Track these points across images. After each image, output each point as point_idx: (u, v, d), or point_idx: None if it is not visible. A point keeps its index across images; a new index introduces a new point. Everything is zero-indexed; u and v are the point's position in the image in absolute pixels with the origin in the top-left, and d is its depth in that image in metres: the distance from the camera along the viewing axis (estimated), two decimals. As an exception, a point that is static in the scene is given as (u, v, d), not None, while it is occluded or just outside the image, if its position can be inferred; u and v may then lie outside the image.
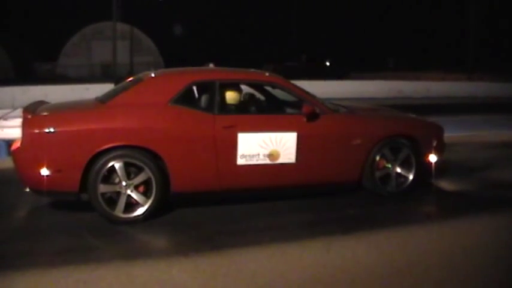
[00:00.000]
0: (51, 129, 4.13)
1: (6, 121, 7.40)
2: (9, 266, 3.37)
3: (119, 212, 4.28)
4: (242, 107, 4.93)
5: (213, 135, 4.45)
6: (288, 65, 30.40)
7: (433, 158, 5.32)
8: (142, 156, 4.28)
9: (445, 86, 22.34)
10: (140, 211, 4.33)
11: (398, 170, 5.18)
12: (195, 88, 5.03)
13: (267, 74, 5.42)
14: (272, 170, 4.68)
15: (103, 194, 4.24)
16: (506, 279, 3.36)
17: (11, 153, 4.46)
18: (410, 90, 20.46)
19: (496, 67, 32.01)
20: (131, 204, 4.34)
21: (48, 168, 4.13)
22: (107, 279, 3.24)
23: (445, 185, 5.81)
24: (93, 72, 34.69)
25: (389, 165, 5.14)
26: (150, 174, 4.30)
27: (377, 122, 5.29)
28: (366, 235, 4.11)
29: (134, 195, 4.31)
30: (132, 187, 4.30)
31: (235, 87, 4.92)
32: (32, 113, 4.30)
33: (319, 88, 12.68)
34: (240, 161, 4.55)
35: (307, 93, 5.06)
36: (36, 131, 4.14)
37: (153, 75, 5.00)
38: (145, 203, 4.33)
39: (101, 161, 4.19)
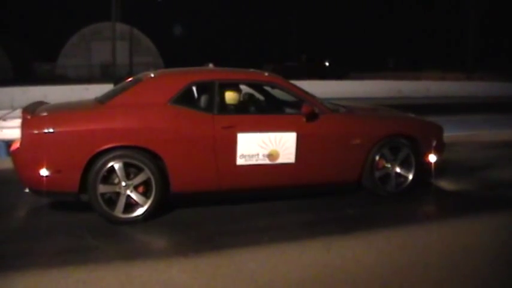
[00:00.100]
0: (51, 130, 4.13)
1: (5, 122, 7.38)
2: (9, 266, 3.38)
3: (118, 212, 4.28)
4: (241, 107, 4.93)
5: (213, 135, 4.45)
6: (288, 65, 30.46)
7: (432, 157, 5.32)
8: (142, 157, 4.28)
9: (445, 85, 22.36)
10: (140, 211, 4.33)
11: (398, 169, 5.18)
12: (194, 88, 5.03)
13: (266, 74, 5.42)
14: (271, 170, 4.68)
15: (102, 195, 4.24)
16: (506, 278, 3.36)
17: (10, 154, 4.46)
18: (409, 90, 20.49)
19: (496, 67, 32.02)
20: (131, 205, 4.33)
21: (47, 168, 4.13)
22: (107, 280, 3.24)
23: (445, 184, 5.81)
24: (92, 73, 34.70)
25: (389, 165, 5.14)
26: (150, 175, 4.30)
27: (376, 122, 5.29)
28: (365, 235, 4.11)
29: (134, 195, 4.31)
30: (131, 187, 4.30)
31: (234, 87, 4.92)
32: (31, 114, 4.29)
33: (318, 88, 12.69)
34: (240, 161, 4.55)
35: (307, 93, 5.06)
36: (36, 131, 4.14)
37: (152, 75, 4.99)
38: (145, 203, 4.33)
39: (101, 162, 4.19)
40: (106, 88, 6.82)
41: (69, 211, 4.61)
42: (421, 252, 3.75)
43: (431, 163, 5.33)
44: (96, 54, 36.04)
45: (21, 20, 39.20)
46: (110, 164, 4.21)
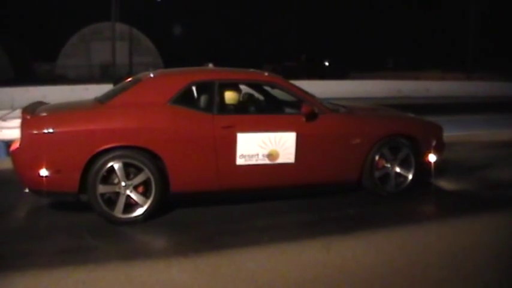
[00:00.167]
0: (50, 130, 4.13)
1: (5, 122, 7.39)
2: (8, 267, 3.38)
3: (118, 212, 4.28)
4: (241, 107, 4.93)
5: (212, 135, 4.45)
6: (288, 65, 30.45)
7: (432, 157, 5.32)
8: (142, 157, 4.28)
9: (445, 85, 22.38)
10: (139, 211, 4.33)
11: (398, 169, 5.19)
12: (194, 88, 5.03)
13: (266, 74, 5.43)
14: (271, 170, 4.68)
15: (102, 195, 4.24)
16: (506, 278, 3.36)
17: (10, 154, 4.46)
18: (409, 90, 20.50)
19: (496, 67, 32.01)
20: (130, 205, 4.33)
21: (47, 168, 4.12)
22: (106, 280, 3.24)
23: (445, 184, 5.81)
24: (92, 73, 34.72)
25: (389, 165, 5.15)
26: (150, 175, 4.29)
27: (376, 122, 5.29)
28: (365, 235, 4.11)
29: (133, 195, 4.31)
30: (131, 187, 4.30)
31: (234, 87, 4.92)
32: (31, 114, 4.29)
33: (318, 88, 12.68)
34: (239, 161, 4.55)
35: (306, 93, 5.06)
36: (35, 131, 4.14)
37: (152, 75, 5.00)
38: (145, 203, 4.33)
39: (100, 162, 4.19)
40: (106, 88, 6.82)
41: (69, 211, 4.61)
42: (421, 252, 3.75)
43: (431, 163, 5.33)
44: (96, 54, 36.05)
45: (21, 20, 39.18)
46: (109, 164, 4.21)
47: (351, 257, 3.65)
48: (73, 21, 36.81)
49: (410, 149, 5.17)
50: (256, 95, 5.52)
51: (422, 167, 5.29)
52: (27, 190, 4.35)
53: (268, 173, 4.69)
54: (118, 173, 4.24)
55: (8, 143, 6.22)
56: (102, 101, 4.64)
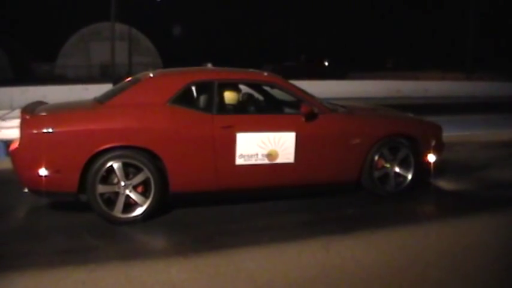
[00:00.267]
0: (50, 130, 4.13)
1: (4, 122, 7.38)
2: (8, 267, 3.37)
3: (117, 212, 4.28)
4: (241, 107, 4.93)
5: (212, 135, 4.45)
6: (287, 65, 30.47)
7: (431, 157, 5.32)
8: (141, 157, 4.28)
9: (444, 85, 22.38)
10: (139, 211, 4.32)
11: (397, 169, 5.19)
12: (193, 88, 5.02)
13: (265, 74, 5.43)
14: (271, 170, 4.68)
15: (102, 195, 4.24)
16: (506, 278, 3.37)
17: (9, 154, 4.46)
18: (409, 90, 20.50)
19: (495, 67, 32.03)
20: (130, 205, 4.33)
21: (46, 168, 4.12)
22: (106, 280, 3.24)
23: (444, 184, 5.81)
24: (91, 73, 34.71)
25: (388, 165, 5.15)
26: (149, 175, 4.29)
27: (375, 122, 5.30)
28: (364, 235, 4.11)
29: (133, 195, 4.31)
30: (130, 187, 4.30)
31: (233, 87, 4.92)
32: (30, 114, 4.29)
33: (317, 88, 12.67)
34: (239, 161, 4.55)
35: (306, 93, 5.06)
36: (35, 131, 4.14)
37: (151, 75, 4.99)
38: (144, 203, 4.33)
39: (100, 162, 4.19)
40: (105, 88, 6.82)
41: (68, 211, 4.60)
42: (421, 252, 3.75)
43: (430, 163, 5.33)
44: (95, 55, 36.05)
45: (21, 20, 39.18)
46: (109, 164, 4.21)
47: (350, 257, 3.64)
48: (72, 21, 36.81)
49: (410, 149, 5.17)
50: (256, 95, 5.52)
51: (421, 167, 5.29)
52: (26, 190, 4.34)
53: (268, 173, 4.69)
54: (117, 172, 4.24)
55: (7, 143, 6.21)
56: (101, 101, 4.64)
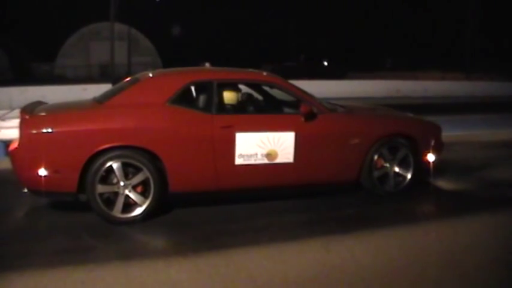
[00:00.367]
0: (49, 130, 4.12)
1: (3, 122, 7.37)
2: (7, 267, 3.37)
3: (117, 212, 4.28)
4: (240, 107, 4.93)
5: (211, 135, 4.45)
6: (287, 65, 30.44)
7: (431, 157, 5.32)
8: (140, 157, 4.28)
9: (444, 85, 22.38)
10: (138, 211, 4.32)
11: (397, 169, 5.19)
12: (192, 88, 5.02)
13: (265, 73, 5.43)
14: (270, 170, 4.68)
15: (101, 195, 4.23)
16: (505, 278, 3.37)
17: (8, 154, 4.45)
18: (408, 90, 20.50)
19: (495, 66, 32.03)
20: (129, 205, 4.33)
21: (46, 168, 4.12)
22: (105, 280, 3.24)
23: (443, 184, 5.81)
24: (91, 73, 34.68)
25: (388, 165, 5.15)
26: (148, 175, 4.29)
27: (375, 122, 5.30)
28: (364, 234, 4.12)
29: (132, 195, 4.31)
30: (130, 187, 4.29)
31: (233, 87, 4.92)
32: (29, 114, 4.29)
33: (317, 88, 12.66)
34: (238, 161, 4.55)
35: (305, 92, 5.06)
36: (34, 131, 4.13)
37: (150, 75, 4.99)
38: (144, 203, 4.33)
39: (99, 162, 4.18)
40: (104, 88, 6.81)
41: (68, 211, 4.60)
42: (420, 252, 3.75)
43: (429, 163, 5.34)
44: (95, 55, 35.99)
45: (20, 20, 39.15)
46: (108, 164, 4.21)
47: (350, 256, 3.65)
48: (72, 21, 36.77)
49: (409, 149, 5.17)
50: (255, 94, 5.52)
51: (421, 167, 5.29)
52: (25, 190, 4.34)
53: (267, 172, 4.69)
54: (117, 172, 4.24)
55: (6, 143, 6.20)
56: (100, 101, 4.64)
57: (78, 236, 4.06)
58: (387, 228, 4.30)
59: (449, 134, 7.23)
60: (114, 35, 28.60)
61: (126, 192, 4.29)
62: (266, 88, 5.56)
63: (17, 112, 4.88)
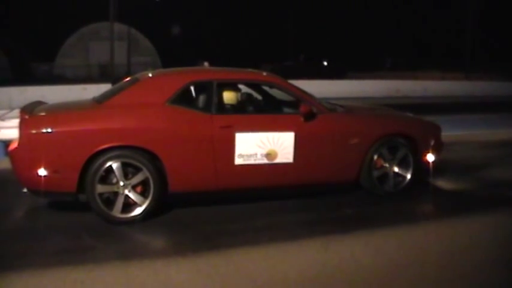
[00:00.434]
0: (49, 130, 4.12)
1: (3, 122, 7.36)
2: (6, 267, 3.37)
3: (116, 212, 4.28)
4: (240, 106, 4.93)
5: (211, 135, 4.45)
6: (286, 65, 30.44)
7: (430, 157, 5.32)
8: (140, 157, 4.27)
9: (443, 85, 22.39)
10: (138, 211, 4.32)
11: (396, 169, 5.19)
12: (192, 88, 5.02)
13: (264, 73, 5.43)
14: (270, 170, 4.68)
15: (101, 195, 4.23)
16: (505, 278, 3.37)
17: (8, 154, 4.45)
18: (408, 90, 20.51)
19: (495, 66, 32.05)
20: (129, 205, 4.33)
21: (45, 168, 4.12)
22: (105, 280, 3.24)
23: (443, 184, 5.81)
24: (90, 73, 34.66)
25: (387, 165, 5.15)
26: (148, 174, 4.29)
27: (374, 121, 5.30)
28: (364, 234, 4.12)
29: (132, 195, 4.31)
30: (129, 187, 4.29)
31: (232, 87, 4.92)
32: (29, 114, 4.29)
33: (316, 88, 12.67)
34: (238, 161, 4.55)
35: (305, 92, 5.06)
36: (34, 131, 4.13)
37: (150, 75, 4.99)
38: (143, 203, 4.32)
39: (99, 161, 4.18)
40: (104, 88, 6.82)
41: (67, 211, 4.60)
42: (419, 252, 3.75)
43: (429, 162, 5.33)
44: (94, 55, 35.96)
45: (20, 20, 39.13)
46: (108, 164, 4.20)
47: (349, 256, 3.65)
48: (71, 21, 36.74)
49: (409, 149, 5.17)
50: (255, 94, 5.52)
51: (420, 167, 5.29)
52: (25, 190, 4.34)
53: (267, 172, 4.68)
54: (116, 172, 4.24)
55: (6, 143, 6.20)
56: (100, 100, 4.64)
57: (77, 235, 4.05)
58: (387, 228, 4.30)
59: (448, 133, 7.23)
60: (113, 35, 28.61)
61: (126, 192, 4.28)
62: (266, 88, 5.56)
63: (16, 112, 4.88)
